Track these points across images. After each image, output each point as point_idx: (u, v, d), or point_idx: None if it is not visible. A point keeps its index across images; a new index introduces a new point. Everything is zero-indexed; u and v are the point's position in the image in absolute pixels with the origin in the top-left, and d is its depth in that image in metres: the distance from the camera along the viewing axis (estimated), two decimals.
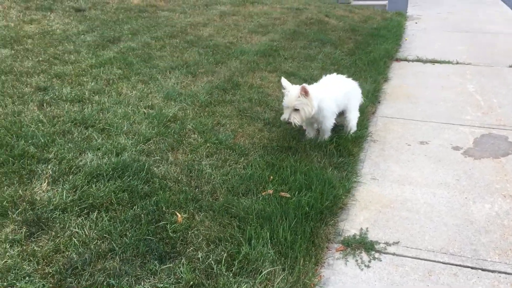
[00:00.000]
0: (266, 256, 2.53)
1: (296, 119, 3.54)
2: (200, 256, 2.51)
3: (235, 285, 2.33)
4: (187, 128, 3.80)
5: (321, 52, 6.31)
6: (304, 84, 3.48)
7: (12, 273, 2.21)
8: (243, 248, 2.53)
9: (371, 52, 6.41)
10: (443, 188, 3.47)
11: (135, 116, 3.86)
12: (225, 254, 2.52)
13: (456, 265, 2.70)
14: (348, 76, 4.18)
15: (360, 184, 3.52)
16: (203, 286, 2.31)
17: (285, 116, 3.54)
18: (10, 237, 2.43)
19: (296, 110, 3.52)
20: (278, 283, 2.37)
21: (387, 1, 10.40)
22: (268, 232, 2.70)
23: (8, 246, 2.38)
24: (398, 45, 7.50)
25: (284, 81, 3.58)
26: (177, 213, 2.78)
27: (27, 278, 2.20)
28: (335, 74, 4.03)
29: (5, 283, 2.16)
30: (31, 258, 2.32)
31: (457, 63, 6.58)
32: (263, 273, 2.40)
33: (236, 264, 2.47)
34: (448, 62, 6.61)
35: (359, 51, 6.51)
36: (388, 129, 4.47)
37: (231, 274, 2.41)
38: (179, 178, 3.15)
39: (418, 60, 6.76)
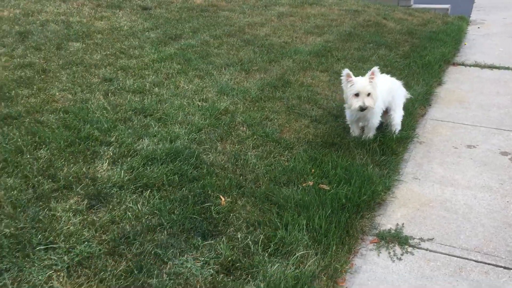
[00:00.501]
0: (301, 241, 2.70)
1: (370, 103, 3.66)
2: (239, 236, 2.71)
3: (269, 264, 2.52)
4: (237, 121, 4.02)
5: (375, 54, 6.36)
6: (374, 68, 3.64)
7: (74, 238, 2.52)
8: (279, 232, 2.72)
9: (427, 56, 6.37)
10: (485, 191, 3.48)
11: (190, 108, 4.14)
12: (262, 236, 2.71)
13: (489, 264, 2.74)
14: (400, 78, 4.26)
15: (401, 183, 3.60)
16: (240, 262, 2.51)
17: (360, 104, 3.63)
18: (74, 207, 2.75)
19: (368, 95, 3.64)
20: (309, 265, 2.52)
21: (449, 5, 10.18)
22: (305, 220, 2.86)
23: (71, 215, 2.69)
24: (457, 49, 7.38)
25: (348, 72, 3.68)
26: (221, 197, 3.01)
27: (86, 243, 2.50)
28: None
29: (67, 246, 2.46)
30: (90, 226, 2.62)
31: None
32: (297, 255, 2.57)
33: (272, 245, 2.65)
34: (508, 68, 6.45)
35: (414, 54, 6.49)
36: (436, 132, 4.49)
37: (266, 254, 2.59)
38: (226, 166, 3.38)
39: (476, 65, 6.64)
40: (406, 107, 4.57)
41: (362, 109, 3.66)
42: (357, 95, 3.66)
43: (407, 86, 5.25)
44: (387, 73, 5.56)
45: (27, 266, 2.32)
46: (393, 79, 4.18)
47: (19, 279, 2.25)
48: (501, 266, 2.72)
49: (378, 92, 3.73)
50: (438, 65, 6.18)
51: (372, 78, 3.66)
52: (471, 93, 5.54)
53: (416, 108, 4.81)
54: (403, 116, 4.18)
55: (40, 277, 2.25)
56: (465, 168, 3.80)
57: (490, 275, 2.66)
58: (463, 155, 4.03)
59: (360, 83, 3.65)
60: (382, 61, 6.13)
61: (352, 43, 6.78)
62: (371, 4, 9.75)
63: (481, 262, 2.76)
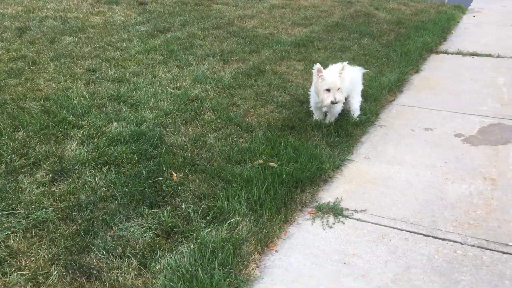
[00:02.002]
0: (238, 210, 2.99)
1: (341, 97, 3.91)
2: (183, 206, 3.03)
3: (205, 229, 2.82)
4: (205, 106, 4.33)
5: (357, 43, 6.57)
6: (344, 63, 3.91)
7: (33, 205, 2.87)
8: (218, 202, 3.02)
9: (408, 44, 6.55)
10: (429, 169, 3.71)
11: (162, 95, 4.47)
12: (204, 206, 3.02)
13: (410, 231, 2.99)
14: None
15: (351, 162, 3.85)
16: (178, 227, 2.83)
17: (331, 99, 3.86)
18: (38, 180, 3.11)
19: (338, 89, 3.89)
20: (240, 230, 2.82)
21: None
22: (246, 193, 3.15)
23: (35, 187, 3.05)
24: (443, 38, 7.51)
25: (319, 67, 3.89)
26: (173, 173, 3.33)
27: (43, 210, 2.86)
28: (340, 63, 4.34)
29: (26, 212, 2.82)
30: (49, 196, 2.98)
31: (498, 56, 6.53)
32: (230, 221, 2.87)
33: (211, 214, 2.96)
34: (489, 56, 6.58)
35: (396, 43, 6.67)
36: (399, 116, 4.71)
37: (204, 221, 2.90)
38: (185, 146, 3.69)
39: (458, 53, 6.78)
40: (372, 94, 4.81)
41: (333, 103, 3.91)
42: (328, 90, 3.90)
43: (380, 73, 5.49)
44: (365, 61, 5.81)
45: None
46: (355, 69, 4.40)
47: None
48: (421, 234, 2.97)
49: (346, 85, 3.97)
50: (418, 53, 6.35)
51: (341, 73, 3.88)
52: (445, 79, 5.72)
53: (385, 94, 5.03)
54: (361, 101, 4.41)
55: None
56: (417, 149, 4.03)
57: (409, 241, 2.91)
58: (419, 137, 4.25)
59: (331, 79, 3.86)
60: (362, 50, 6.34)
61: (337, 33, 7.00)
62: None
63: (404, 230, 3.01)
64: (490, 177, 3.56)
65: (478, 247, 2.84)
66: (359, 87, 4.40)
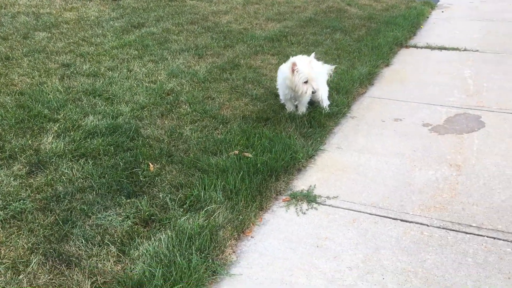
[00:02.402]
0: (214, 199, 3.08)
1: (317, 86, 4.10)
2: (161, 195, 3.10)
3: (182, 217, 2.90)
4: (180, 99, 4.40)
5: (330, 38, 6.71)
6: (311, 55, 4.08)
7: (11, 197, 2.90)
8: (194, 191, 3.10)
9: (378, 39, 6.73)
10: (397, 157, 3.86)
11: (138, 89, 4.51)
12: (181, 195, 3.10)
13: (380, 215, 3.13)
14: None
15: (324, 152, 3.97)
16: (156, 216, 2.90)
17: (311, 89, 4.03)
18: (15, 173, 3.13)
19: (313, 79, 4.04)
20: (217, 217, 2.91)
21: None
22: (222, 182, 3.24)
23: (12, 179, 3.07)
24: (413, 32, 7.72)
25: (294, 61, 4.00)
26: (150, 164, 3.39)
27: (21, 201, 2.89)
28: (300, 55, 4.40)
29: (4, 203, 2.85)
30: (27, 188, 3.01)
31: (465, 50, 6.76)
32: (206, 208, 2.95)
33: (188, 202, 3.04)
34: (456, 49, 6.80)
35: (367, 38, 6.84)
36: (370, 108, 4.86)
37: (181, 209, 2.98)
38: (161, 138, 3.75)
39: (427, 47, 6.99)
40: (343, 87, 4.95)
41: (313, 93, 4.06)
42: (306, 82, 4.02)
43: (352, 66, 5.64)
44: (337, 55, 5.95)
45: None
46: (314, 60, 4.52)
47: None
48: (390, 217, 3.11)
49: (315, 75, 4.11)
50: (388, 47, 6.53)
51: (311, 63, 4.06)
52: (414, 72, 5.90)
53: (356, 87, 5.18)
54: (329, 92, 4.54)
55: None
56: (386, 139, 4.18)
57: (378, 224, 3.05)
58: (388, 127, 4.40)
59: (307, 71, 4.01)
60: (335, 44, 6.49)
61: (310, 28, 7.13)
62: None
63: (374, 214, 3.15)
64: (456, 163, 3.73)
65: (444, 228, 3.00)
66: (324, 77, 4.53)
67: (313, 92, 4.03)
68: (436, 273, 2.62)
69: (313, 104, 4.49)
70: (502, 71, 5.81)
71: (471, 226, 3.00)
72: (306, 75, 3.98)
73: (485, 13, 9.23)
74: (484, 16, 9.01)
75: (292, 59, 4.02)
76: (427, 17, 9.00)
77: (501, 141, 4.02)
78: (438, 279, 2.58)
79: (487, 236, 2.90)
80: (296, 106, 4.41)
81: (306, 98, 4.29)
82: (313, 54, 4.09)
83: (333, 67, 5.00)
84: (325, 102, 4.47)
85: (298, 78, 4.00)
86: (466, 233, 2.94)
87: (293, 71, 4.01)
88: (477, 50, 6.72)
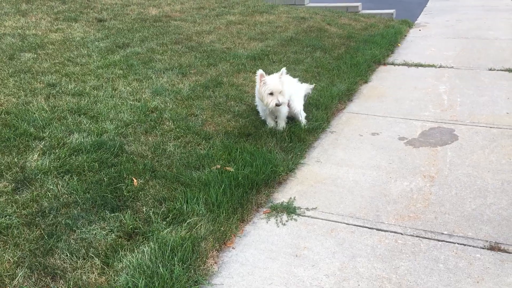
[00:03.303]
0: (197, 211, 3.18)
1: (284, 99, 4.21)
2: (144, 209, 3.19)
3: (165, 229, 2.99)
4: (164, 117, 4.51)
5: (310, 56, 6.91)
6: (282, 69, 4.19)
7: None
8: (177, 204, 3.20)
9: (357, 57, 6.94)
10: (374, 169, 4.00)
11: (122, 107, 4.62)
12: (164, 209, 3.19)
13: (357, 225, 3.26)
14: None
15: (304, 165, 4.10)
16: (139, 229, 2.99)
17: (276, 101, 4.14)
18: (1, 190, 3.20)
19: (280, 92, 4.16)
20: (199, 229, 3.00)
21: (394, 10, 10.83)
22: (204, 195, 3.34)
23: None
24: (391, 50, 7.97)
25: (262, 72, 4.19)
26: (134, 179, 3.48)
27: (7, 216, 2.96)
28: (275, 73, 4.56)
29: None
30: (13, 204, 3.08)
31: (440, 66, 7.01)
32: (188, 221, 3.05)
33: (171, 215, 3.13)
34: (432, 66, 7.05)
35: (347, 56, 7.05)
36: (348, 123, 5.02)
37: (164, 222, 3.07)
38: (145, 154, 3.85)
39: (404, 64, 7.23)
40: (323, 103, 5.12)
41: (278, 105, 4.18)
42: (271, 94, 4.17)
43: (331, 83, 5.82)
44: (317, 73, 6.13)
45: None
46: (291, 78, 4.69)
47: None
48: (366, 227, 3.24)
49: (286, 88, 4.26)
50: (367, 65, 6.75)
51: (280, 77, 4.18)
52: (391, 89, 6.11)
53: (336, 103, 5.35)
54: (304, 105, 4.70)
55: None
56: (363, 152, 4.33)
57: (355, 234, 3.17)
58: (366, 141, 4.56)
59: (273, 83, 4.16)
60: (315, 62, 6.68)
61: (291, 47, 7.33)
62: (320, 11, 10.36)
63: (351, 224, 3.27)
64: (429, 174, 3.88)
65: (417, 236, 3.13)
66: (300, 92, 4.69)
67: (277, 105, 4.15)
68: (409, 279, 2.74)
69: (293, 119, 4.63)
70: (475, 86, 6.04)
71: (443, 233, 3.14)
72: (272, 87, 4.13)
73: (461, 31, 9.56)
74: (459, 34, 9.33)
75: (260, 71, 4.18)
76: (405, 36, 9.30)
77: (472, 153, 4.20)
78: (411, 285, 2.70)
79: (458, 243, 3.04)
80: (277, 122, 4.55)
81: (283, 112, 4.44)
82: (283, 69, 4.22)
83: (312, 86, 5.18)
84: (302, 114, 4.61)
85: (264, 89, 4.16)
86: (438, 240, 3.08)
87: (261, 81, 4.17)
88: (452, 67, 6.97)
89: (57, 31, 7.20)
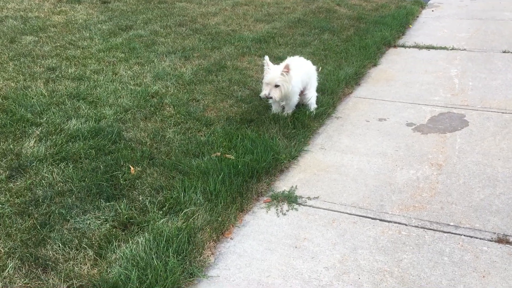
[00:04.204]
0: (194, 201, 3.09)
1: (276, 95, 4.02)
2: (140, 198, 3.10)
3: (161, 219, 2.91)
4: (164, 102, 4.40)
5: (318, 38, 6.73)
6: (288, 62, 3.98)
7: None
8: (174, 193, 3.11)
9: (366, 39, 6.74)
10: (380, 157, 3.87)
11: (122, 92, 4.52)
12: (161, 198, 3.11)
13: (359, 215, 3.14)
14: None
15: (307, 152, 3.98)
16: (135, 219, 2.91)
17: (265, 92, 4.01)
18: None
19: (277, 86, 4.00)
20: (195, 219, 2.92)
21: None
22: (202, 184, 3.25)
23: None
24: (402, 32, 7.74)
25: (267, 59, 4.05)
26: (131, 167, 3.40)
27: (0, 205, 2.89)
28: (297, 56, 4.47)
29: None
30: (6, 192, 3.02)
31: (452, 49, 6.78)
32: (185, 211, 2.96)
33: (167, 205, 3.04)
34: (444, 48, 6.83)
35: (356, 38, 6.86)
36: (355, 108, 4.87)
37: (160, 212, 2.99)
38: (144, 141, 3.76)
39: (415, 46, 7.01)
40: (329, 87, 4.97)
41: (267, 97, 4.01)
42: (267, 84, 4.02)
43: (339, 67, 5.65)
44: (325, 56, 5.97)
45: None
46: (310, 63, 4.53)
47: None
48: (369, 217, 3.12)
49: (292, 83, 4.06)
50: (376, 47, 6.55)
51: (286, 71, 3.97)
52: (401, 72, 5.92)
53: (342, 88, 5.19)
54: (317, 96, 4.55)
55: None
56: (370, 138, 4.19)
57: (357, 224, 3.06)
58: (372, 127, 4.42)
59: (271, 74, 3.99)
60: (323, 45, 6.50)
61: (298, 29, 7.14)
62: None
63: (353, 214, 3.16)
64: (437, 162, 3.74)
65: (421, 227, 3.01)
66: (315, 82, 4.53)
67: (266, 96, 3.99)
68: (412, 273, 2.64)
69: (299, 106, 4.49)
70: (488, 69, 5.83)
71: (449, 225, 3.02)
72: (268, 78, 3.99)
73: (475, 12, 9.27)
74: (473, 14, 9.04)
75: (266, 57, 4.03)
76: (417, 17, 9.03)
77: (483, 140, 4.04)
78: (414, 278, 2.59)
79: (464, 235, 2.92)
80: (283, 108, 4.42)
81: (293, 101, 4.30)
82: (288, 64, 3.99)
83: (318, 69, 5.01)
84: (312, 106, 4.48)
85: (263, 77, 4.04)
86: (444, 232, 2.96)
87: (265, 69, 4.05)
88: (464, 49, 6.74)
89: (60, 13, 7.09)
